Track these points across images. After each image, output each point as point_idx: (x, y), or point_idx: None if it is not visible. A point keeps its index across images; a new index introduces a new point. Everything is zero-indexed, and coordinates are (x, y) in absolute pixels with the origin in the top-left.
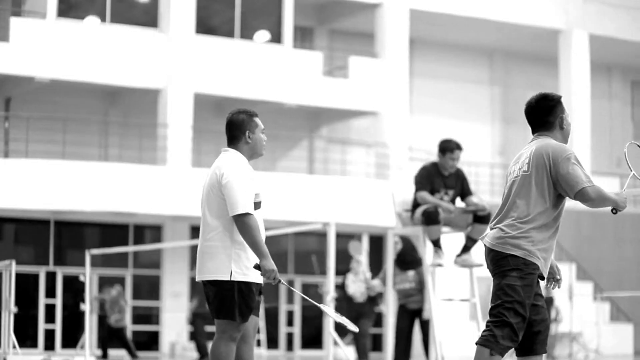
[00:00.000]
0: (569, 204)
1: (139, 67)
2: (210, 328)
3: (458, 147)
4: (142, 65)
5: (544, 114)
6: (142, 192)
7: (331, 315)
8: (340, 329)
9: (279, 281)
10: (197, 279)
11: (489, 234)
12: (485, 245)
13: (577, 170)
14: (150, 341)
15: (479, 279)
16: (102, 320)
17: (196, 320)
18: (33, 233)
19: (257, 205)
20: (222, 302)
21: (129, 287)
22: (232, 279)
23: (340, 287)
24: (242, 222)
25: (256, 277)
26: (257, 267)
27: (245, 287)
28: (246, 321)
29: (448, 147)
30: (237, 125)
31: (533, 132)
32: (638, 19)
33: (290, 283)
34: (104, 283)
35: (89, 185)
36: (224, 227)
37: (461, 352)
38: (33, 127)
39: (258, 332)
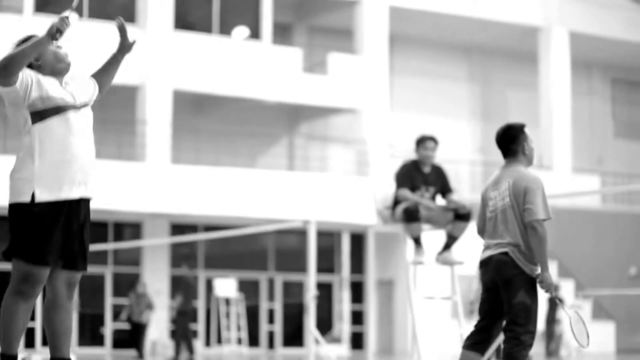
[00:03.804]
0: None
1: None
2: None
3: (432, 138)
4: None
5: None
6: (121, 189)
7: None
8: (321, 328)
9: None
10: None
11: None
12: None
13: None
14: (131, 339)
15: (460, 277)
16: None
17: (179, 318)
18: None
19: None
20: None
21: (109, 284)
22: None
23: None
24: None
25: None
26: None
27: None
28: (36, 263)
29: (422, 139)
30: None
31: None
32: (618, 16)
33: (271, 281)
34: (83, 281)
35: None
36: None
37: (442, 350)
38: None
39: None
